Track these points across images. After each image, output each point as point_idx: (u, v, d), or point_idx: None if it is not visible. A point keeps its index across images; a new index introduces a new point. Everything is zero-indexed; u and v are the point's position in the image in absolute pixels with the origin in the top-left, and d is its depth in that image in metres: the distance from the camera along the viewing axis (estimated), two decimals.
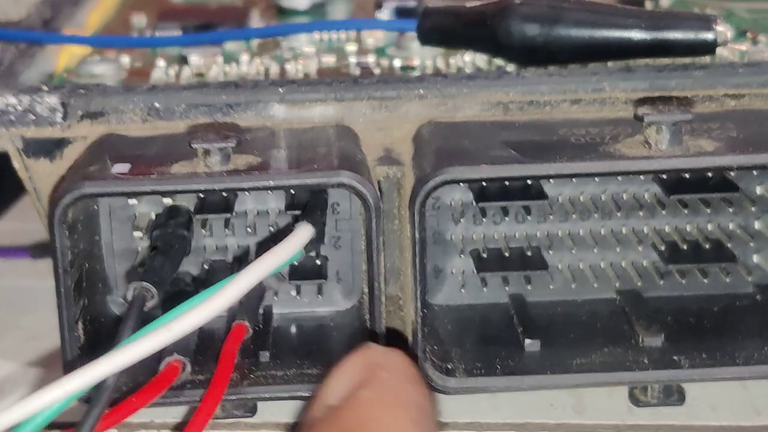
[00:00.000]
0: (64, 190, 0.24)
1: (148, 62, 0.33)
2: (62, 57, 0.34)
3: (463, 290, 0.28)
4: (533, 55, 0.29)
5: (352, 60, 0.33)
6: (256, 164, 0.25)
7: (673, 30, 0.28)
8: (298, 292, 0.28)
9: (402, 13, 0.36)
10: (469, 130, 0.27)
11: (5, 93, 0.27)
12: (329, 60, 0.33)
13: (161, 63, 0.33)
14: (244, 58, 0.33)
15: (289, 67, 0.32)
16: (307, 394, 0.26)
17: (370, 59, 0.33)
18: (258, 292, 0.27)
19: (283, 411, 0.27)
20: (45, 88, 0.28)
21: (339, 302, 0.29)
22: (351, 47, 0.34)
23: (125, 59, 0.33)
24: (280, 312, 0.28)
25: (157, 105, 0.27)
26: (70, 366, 0.25)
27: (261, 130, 0.27)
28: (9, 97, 0.27)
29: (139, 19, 0.39)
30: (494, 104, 0.27)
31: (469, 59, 0.32)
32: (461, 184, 0.27)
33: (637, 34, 0.28)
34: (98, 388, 0.22)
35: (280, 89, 0.28)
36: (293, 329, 0.28)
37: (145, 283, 0.24)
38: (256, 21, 0.38)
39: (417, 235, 0.25)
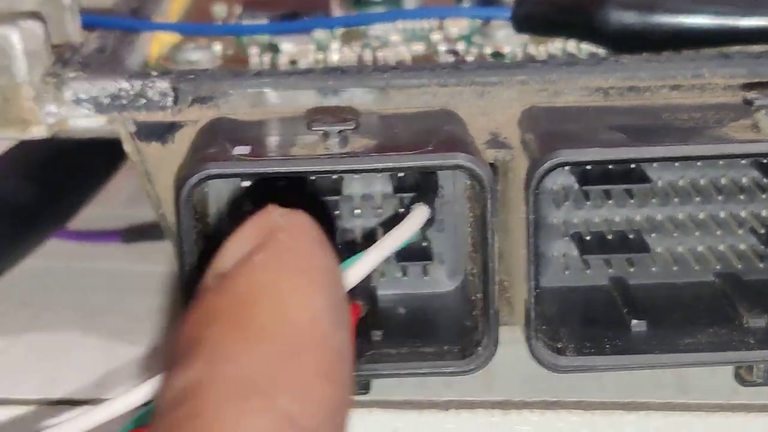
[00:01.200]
0: (190, 171, 0.25)
1: (240, 50, 0.34)
2: (154, 44, 0.34)
3: (566, 272, 0.29)
4: (630, 42, 0.29)
5: (441, 48, 0.33)
6: (373, 147, 0.25)
7: None
8: (404, 273, 0.29)
9: (487, 1, 0.36)
10: (573, 115, 0.27)
11: (117, 78, 0.28)
12: (418, 48, 0.33)
13: (254, 50, 0.33)
14: (334, 46, 0.34)
15: (381, 55, 0.33)
16: (424, 371, 0.26)
17: (460, 47, 0.33)
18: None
19: (395, 389, 0.27)
20: (154, 73, 0.28)
21: (443, 283, 0.29)
22: (436, 36, 0.35)
23: (217, 47, 0.34)
24: (386, 293, 0.29)
25: (266, 90, 0.28)
26: None
27: (370, 115, 0.27)
28: (121, 82, 0.28)
29: (220, 8, 0.39)
30: (594, 90, 0.28)
31: (559, 46, 0.32)
32: (565, 168, 0.27)
33: (735, 21, 0.29)
34: None
35: (384, 75, 0.28)
36: (400, 309, 0.28)
37: None
38: (336, 10, 0.38)
39: (531, 216, 0.25)
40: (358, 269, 0.24)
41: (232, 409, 0.16)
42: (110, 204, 0.40)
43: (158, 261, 0.37)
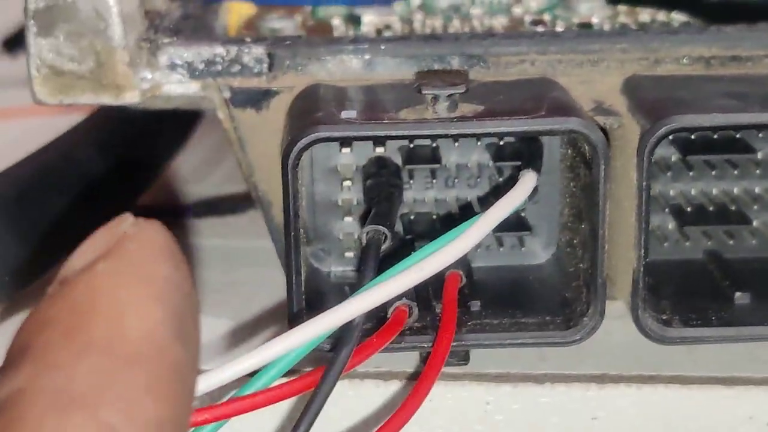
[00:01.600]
0: (299, 133, 0.24)
1: (320, 22, 0.33)
2: (232, 16, 0.34)
3: (665, 245, 0.28)
4: (726, 12, 0.29)
5: (527, 18, 0.33)
6: (483, 111, 0.25)
7: None
8: (501, 244, 0.28)
9: None
10: (679, 84, 0.27)
11: (212, 43, 0.28)
12: (501, 21, 0.33)
13: (336, 21, 0.33)
14: (418, 17, 0.33)
15: (467, 27, 0.32)
16: (528, 341, 0.26)
17: (546, 18, 0.33)
18: None
19: (488, 362, 0.27)
20: (249, 39, 0.28)
21: (538, 254, 0.29)
22: (517, 9, 0.34)
23: (297, 18, 0.33)
24: (480, 265, 0.28)
25: (365, 56, 0.27)
26: (296, 316, 0.25)
27: (472, 82, 0.27)
28: (216, 47, 0.28)
29: None
30: (696, 59, 0.28)
31: (646, 18, 0.32)
32: (670, 137, 0.27)
33: None
34: (347, 327, 0.23)
35: (483, 42, 0.28)
36: (496, 281, 0.28)
37: (379, 227, 0.24)
38: None
39: (644, 183, 0.25)
40: (473, 234, 0.23)
41: (51, 420, 0.15)
42: (173, 181, 0.40)
43: (228, 235, 0.36)
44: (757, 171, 0.28)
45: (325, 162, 0.28)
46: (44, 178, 0.32)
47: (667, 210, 0.28)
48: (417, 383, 0.23)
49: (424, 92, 0.25)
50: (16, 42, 0.51)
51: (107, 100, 0.28)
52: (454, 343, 0.25)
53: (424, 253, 0.23)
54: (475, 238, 0.23)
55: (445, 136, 0.25)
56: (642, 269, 0.25)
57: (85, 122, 0.36)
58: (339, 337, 0.23)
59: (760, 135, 0.28)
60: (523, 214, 0.28)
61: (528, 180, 0.25)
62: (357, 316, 0.22)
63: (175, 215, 0.37)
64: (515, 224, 0.28)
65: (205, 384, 0.21)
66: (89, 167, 0.34)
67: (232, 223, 0.37)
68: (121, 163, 0.35)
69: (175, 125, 0.39)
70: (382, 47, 0.27)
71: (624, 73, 0.27)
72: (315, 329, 0.22)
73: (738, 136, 0.27)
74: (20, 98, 0.52)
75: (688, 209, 0.28)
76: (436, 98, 0.25)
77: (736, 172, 0.28)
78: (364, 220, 0.27)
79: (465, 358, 0.26)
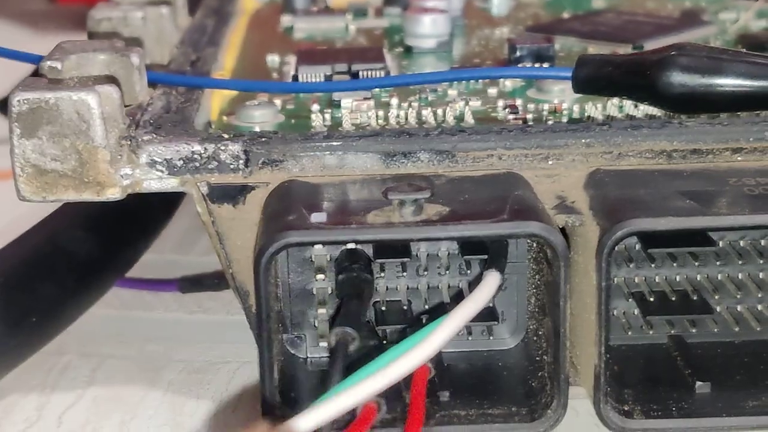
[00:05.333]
0: (270, 240, 0.25)
1: (300, 105, 0.34)
2: (215, 99, 0.35)
3: (628, 332, 0.29)
4: (691, 105, 0.30)
5: (499, 103, 0.34)
6: (446, 214, 0.26)
7: None
8: (469, 333, 0.29)
9: (538, 56, 0.37)
10: (639, 179, 0.28)
11: (191, 140, 0.29)
12: (476, 104, 0.34)
13: (315, 107, 0.34)
14: (394, 101, 0.34)
15: (440, 112, 0.33)
16: None
17: (517, 103, 0.34)
18: None
19: None
20: (226, 136, 0.29)
21: (505, 341, 0.30)
22: (491, 91, 0.35)
23: (277, 101, 0.34)
24: (449, 350, 0.29)
25: (337, 152, 0.28)
26: (270, 408, 0.26)
27: (439, 178, 0.28)
28: (195, 145, 0.29)
29: (273, 59, 0.40)
30: (658, 153, 0.29)
31: (614, 103, 0.33)
32: None
33: None
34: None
35: (452, 138, 0.29)
36: (465, 368, 0.29)
37: (347, 329, 0.25)
38: (390, 61, 0.39)
39: (604, 283, 0.26)
40: (439, 336, 0.24)
41: None
42: (161, 249, 0.41)
43: (214, 310, 0.37)
44: (717, 262, 0.29)
45: (300, 253, 0.29)
46: (31, 261, 0.33)
47: (630, 299, 0.29)
48: None
49: (390, 197, 0.26)
50: None
51: (89, 196, 0.29)
52: None
53: (390, 356, 0.24)
54: (441, 341, 0.24)
55: (410, 240, 0.26)
56: (603, 365, 0.26)
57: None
58: None
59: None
60: (491, 305, 0.29)
61: (491, 280, 0.26)
62: (323, 425, 0.23)
63: (162, 289, 0.38)
64: (483, 315, 0.29)
65: None
66: (76, 248, 0.35)
67: (215, 297, 0.38)
68: (109, 241, 0.36)
69: (161, 200, 0.40)
70: (353, 144, 0.28)
71: (588, 167, 0.28)
72: None
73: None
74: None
75: (651, 299, 0.29)
76: (402, 203, 0.26)
77: (696, 263, 0.29)
78: (337, 312, 0.28)
79: None
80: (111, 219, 0.36)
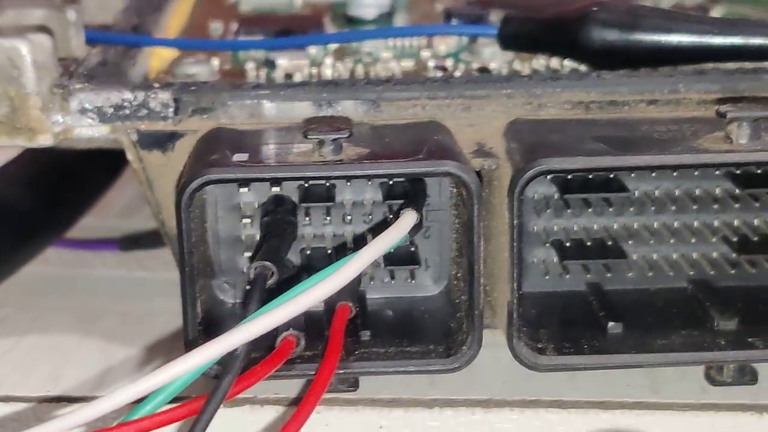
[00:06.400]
0: (191, 176, 0.26)
1: (236, 65, 0.35)
2: (154, 59, 0.36)
3: (546, 278, 0.30)
4: (611, 59, 0.31)
5: (431, 64, 0.35)
6: (365, 155, 0.27)
7: (746, 36, 0.30)
8: (392, 277, 0.30)
9: (474, 21, 0.38)
10: (557, 127, 0.29)
11: (121, 89, 0.29)
12: (408, 64, 0.35)
13: (250, 66, 0.35)
14: (328, 61, 0.35)
15: (373, 70, 0.34)
16: (410, 369, 0.27)
17: (448, 63, 0.35)
18: (357, 277, 0.28)
19: (381, 388, 0.29)
20: (157, 84, 0.30)
21: (429, 287, 0.30)
22: (425, 53, 0.36)
23: (215, 62, 0.35)
24: (375, 296, 0.30)
25: (263, 101, 0.29)
26: (191, 343, 0.27)
27: (362, 126, 0.29)
28: (125, 93, 0.29)
29: (216, 26, 0.41)
30: (576, 103, 0.29)
31: (542, 63, 0.34)
32: (547, 177, 0.29)
33: (711, 39, 0.30)
34: (230, 356, 0.24)
35: (377, 88, 0.29)
36: (388, 312, 0.30)
37: (266, 263, 0.26)
38: (330, 29, 0.40)
39: (515, 221, 0.26)
40: (350, 268, 0.25)
41: None
42: (106, 215, 0.41)
43: (153, 268, 0.38)
44: (632, 208, 0.30)
45: (228, 200, 0.30)
46: None
47: (548, 244, 0.30)
48: (298, 406, 0.25)
49: (309, 137, 0.26)
50: None
51: (21, 142, 0.29)
52: (342, 370, 0.27)
53: (304, 287, 0.25)
54: (352, 273, 0.25)
55: (328, 177, 0.27)
56: (516, 301, 0.27)
57: (14, 160, 0.37)
58: (223, 366, 0.24)
59: (632, 175, 0.29)
60: (413, 249, 0.30)
61: (407, 218, 0.27)
62: (239, 346, 0.24)
63: (102, 248, 0.39)
64: (406, 258, 0.30)
65: (95, 409, 0.23)
66: (17, 203, 0.35)
67: (157, 255, 0.39)
68: (49, 199, 0.37)
69: (104, 163, 0.40)
70: (281, 93, 0.29)
71: (508, 117, 0.29)
72: (196, 359, 0.23)
73: (612, 176, 0.29)
74: None
75: (568, 244, 0.30)
76: (321, 143, 0.26)
77: (611, 209, 0.30)
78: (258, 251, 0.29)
79: (354, 385, 0.28)
80: (50, 178, 0.37)
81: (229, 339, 0.24)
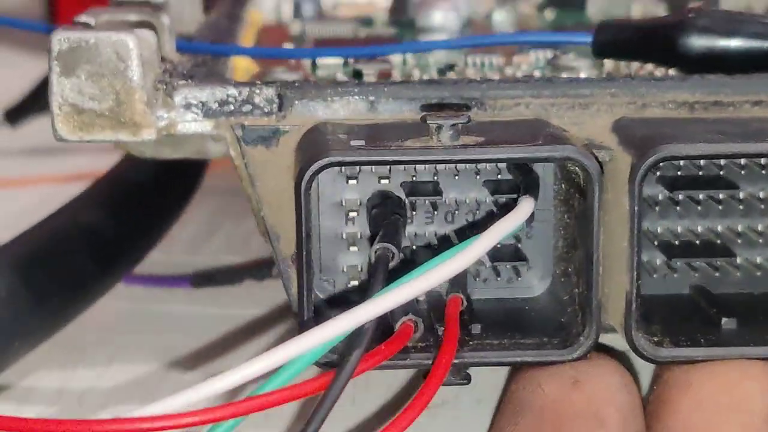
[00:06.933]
0: (312, 158, 0.26)
1: (322, 78, 0.35)
2: (237, 71, 0.36)
3: (653, 277, 0.30)
4: (707, 65, 0.31)
5: (519, 75, 0.35)
6: (483, 141, 0.27)
7: None
8: (497, 275, 0.30)
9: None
10: (666, 123, 0.28)
11: (226, 85, 0.29)
12: (495, 77, 0.35)
13: (339, 76, 0.35)
14: (415, 72, 0.35)
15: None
16: (528, 359, 0.27)
17: (536, 74, 0.35)
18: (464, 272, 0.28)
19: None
20: (259, 82, 0.30)
21: (533, 288, 0.30)
22: (509, 70, 0.36)
23: (300, 73, 0.35)
24: (480, 296, 0.30)
25: (369, 97, 0.29)
26: (305, 325, 0.26)
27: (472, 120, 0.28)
28: (230, 88, 0.29)
29: (289, 46, 0.41)
30: (680, 104, 0.29)
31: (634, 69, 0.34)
32: (656, 174, 0.29)
33: None
34: (358, 333, 0.24)
35: (481, 86, 0.29)
36: (495, 309, 0.29)
37: (388, 244, 0.26)
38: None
39: (636, 208, 0.26)
40: (476, 248, 0.25)
41: None
42: (171, 250, 0.41)
43: (228, 305, 0.37)
44: (740, 207, 0.30)
45: (330, 197, 0.29)
46: (55, 241, 0.33)
47: (655, 243, 0.30)
48: (417, 393, 0.24)
49: (428, 122, 0.26)
50: (17, 113, 0.52)
51: (125, 137, 0.29)
52: (456, 360, 0.27)
53: (429, 266, 0.24)
54: (478, 252, 0.25)
55: (449, 161, 0.26)
56: (635, 291, 0.27)
57: (91, 188, 0.37)
58: (349, 343, 0.24)
59: (743, 172, 0.29)
60: (519, 246, 0.30)
61: (526, 204, 0.26)
62: (367, 322, 0.24)
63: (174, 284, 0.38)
64: (512, 255, 0.29)
65: (223, 383, 0.22)
66: (97, 231, 0.35)
67: (229, 293, 0.38)
68: (126, 228, 0.36)
69: (174, 192, 0.40)
70: (386, 89, 0.29)
71: (613, 116, 0.29)
72: (328, 332, 0.23)
73: (721, 173, 0.29)
74: (21, 169, 0.54)
75: (676, 243, 0.30)
76: (440, 128, 0.26)
77: (720, 207, 0.30)
78: (367, 252, 0.29)
79: (466, 378, 0.27)
80: (127, 205, 0.37)
81: (360, 313, 0.23)
